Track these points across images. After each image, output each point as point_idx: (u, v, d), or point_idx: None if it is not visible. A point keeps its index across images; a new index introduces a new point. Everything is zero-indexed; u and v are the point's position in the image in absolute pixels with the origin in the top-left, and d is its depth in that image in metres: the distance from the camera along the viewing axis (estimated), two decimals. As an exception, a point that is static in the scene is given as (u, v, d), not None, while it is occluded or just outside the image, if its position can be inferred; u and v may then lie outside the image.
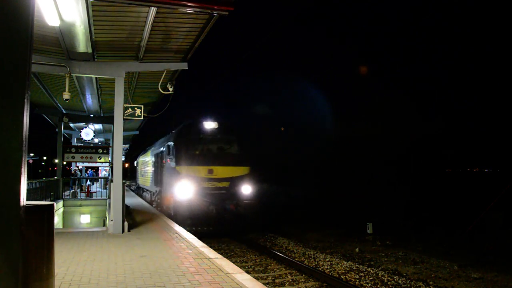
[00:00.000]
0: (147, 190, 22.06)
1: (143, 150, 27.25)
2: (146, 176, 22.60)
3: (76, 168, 26.01)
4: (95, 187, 24.44)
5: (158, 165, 17.06)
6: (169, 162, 14.30)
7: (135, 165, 32.86)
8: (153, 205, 18.12)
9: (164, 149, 15.42)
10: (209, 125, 14.17)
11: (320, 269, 9.10)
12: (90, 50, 9.14)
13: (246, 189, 13.57)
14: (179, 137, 14.21)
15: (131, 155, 51.03)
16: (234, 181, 13.45)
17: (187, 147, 13.77)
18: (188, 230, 10.13)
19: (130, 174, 60.57)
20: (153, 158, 19.01)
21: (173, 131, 15.79)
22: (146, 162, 22.57)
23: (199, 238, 8.87)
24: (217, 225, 13.10)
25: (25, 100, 2.12)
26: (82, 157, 17.80)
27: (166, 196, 14.63)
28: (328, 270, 9.10)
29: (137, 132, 25.48)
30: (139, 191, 28.38)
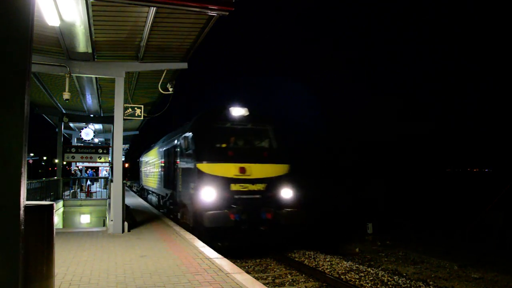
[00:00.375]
0: (153, 192, 19.26)
1: (147, 148, 24.40)
2: (151, 177, 19.59)
3: (76, 168, 26.01)
4: (95, 187, 24.44)
5: (170, 163, 13.85)
6: (186, 158, 11.20)
7: (139, 164, 29.03)
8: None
9: (179, 142, 12.28)
10: (238, 111, 10.99)
11: (320, 269, 9.10)
12: (90, 50, 9.15)
13: (287, 193, 10.53)
14: (200, 126, 10.98)
15: (131, 155, 50.93)
16: (271, 183, 10.37)
17: (211, 139, 10.67)
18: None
19: (130, 174, 60.47)
20: (162, 155, 15.79)
21: (190, 120, 12.25)
22: (152, 160, 19.34)
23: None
24: (249, 239, 10.05)
25: (25, 100, 2.12)
26: (82, 157, 17.81)
27: (182, 202, 11.63)
28: (328, 270, 9.10)
29: (137, 132, 25.48)
30: (143, 193, 25.56)
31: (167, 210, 14.51)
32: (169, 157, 13.98)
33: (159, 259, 6.74)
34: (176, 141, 12.82)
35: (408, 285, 8.11)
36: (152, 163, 19.59)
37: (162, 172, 15.50)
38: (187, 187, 10.95)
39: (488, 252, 11.76)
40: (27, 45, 2.16)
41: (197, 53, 10.08)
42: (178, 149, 12.30)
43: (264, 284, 6.31)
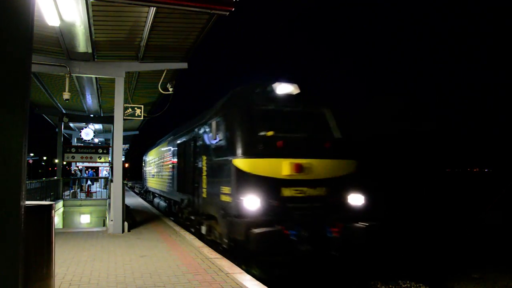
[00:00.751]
0: (161, 196, 16.44)
1: (152, 144, 21.71)
2: (159, 177, 16.60)
3: (76, 168, 26.02)
4: (95, 187, 24.45)
5: (187, 160, 10.75)
6: (215, 152, 8.31)
7: (142, 163, 25.51)
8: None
9: (202, 132, 9.34)
10: (285, 88, 8.20)
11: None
12: (90, 50, 9.15)
13: (356, 200, 7.69)
14: (237, 107, 7.95)
15: (132, 154, 50.91)
16: (335, 185, 7.60)
17: (253, 125, 7.66)
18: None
19: (130, 174, 60.46)
20: (175, 150, 12.84)
21: (217, 103, 9.24)
22: (161, 158, 16.15)
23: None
24: (313, 268, 7.36)
25: (25, 100, 2.12)
26: (82, 157, 17.82)
27: (208, 213, 8.68)
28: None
29: (137, 132, 25.50)
30: (147, 195, 22.82)
31: (184, 220, 11.36)
32: (186, 152, 10.96)
33: (159, 259, 6.74)
34: (197, 131, 9.82)
35: (408, 285, 8.11)
36: (160, 161, 16.46)
37: (175, 172, 12.62)
38: (215, 192, 8.07)
39: (488, 252, 11.76)
40: (27, 45, 2.16)
41: (198, 52, 10.07)
42: (201, 141, 9.38)
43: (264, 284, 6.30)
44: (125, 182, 23.06)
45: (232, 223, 7.05)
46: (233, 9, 6.39)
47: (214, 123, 8.40)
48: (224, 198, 7.59)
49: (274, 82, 8.19)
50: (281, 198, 7.19)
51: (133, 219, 12.49)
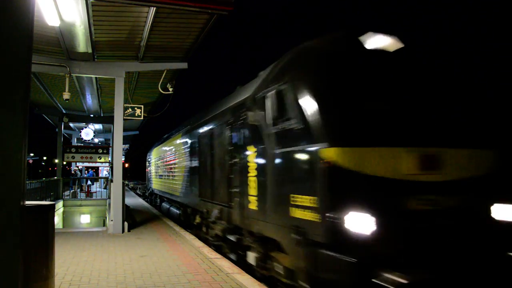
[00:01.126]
0: (172, 201, 13.61)
1: (159, 140, 18.46)
2: (169, 178, 13.65)
3: (76, 168, 26.03)
4: (95, 187, 24.46)
5: (219, 154, 7.70)
6: (277, 140, 5.21)
7: (146, 162, 22.59)
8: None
9: (246, 112, 6.14)
10: (382, 41, 5.12)
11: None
12: (90, 50, 9.15)
13: (506, 213, 4.56)
14: (320, 67, 4.83)
15: (132, 154, 50.95)
16: (477, 190, 4.63)
17: (349, 94, 4.57)
18: None
19: (130, 174, 60.54)
20: (194, 143, 9.85)
21: (275, 66, 5.98)
22: (172, 154, 13.18)
23: None
24: None
25: (25, 100, 2.12)
26: (82, 157, 17.83)
27: (265, 233, 5.50)
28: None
29: (137, 132, 25.52)
30: (154, 199, 19.64)
31: (213, 239, 8.27)
32: (215, 144, 8.03)
33: (159, 259, 6.74)
34: (234, 113, 6.89)
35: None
36: (170, 159, 13.55)
37: (196, 171, 9.62)
38: (279, 202, 5.12)
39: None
40: (27, 45, 2.16)
41: (198, 52, 10.08)
42: (244, 126, 6.30)
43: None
44: (126, 182, 22.77)
45: (325, 259, 4.12)
46: (233, 9, 6.40)
47: (272, 95, 5.35)
48: (300, 213, 4.59)
49: (363, 32, 5.13)
50: (406, 213, 4.27)
51: (133, 219, 12.49)
